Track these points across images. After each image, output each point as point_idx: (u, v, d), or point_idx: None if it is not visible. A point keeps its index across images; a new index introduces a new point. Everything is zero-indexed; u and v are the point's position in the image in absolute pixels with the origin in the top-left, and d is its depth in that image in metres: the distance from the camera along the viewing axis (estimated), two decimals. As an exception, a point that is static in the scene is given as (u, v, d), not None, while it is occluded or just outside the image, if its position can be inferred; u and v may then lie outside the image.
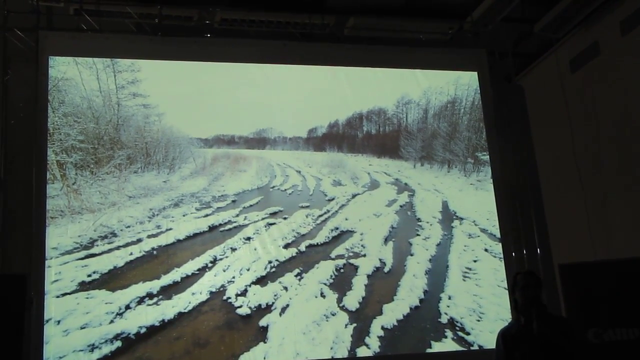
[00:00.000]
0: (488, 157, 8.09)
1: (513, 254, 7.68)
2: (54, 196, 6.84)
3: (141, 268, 6.86)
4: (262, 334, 6.65)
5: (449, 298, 7.30)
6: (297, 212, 7.79)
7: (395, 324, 6.95)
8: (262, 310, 6.81)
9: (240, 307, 6.77)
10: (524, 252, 7.92)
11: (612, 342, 5.79)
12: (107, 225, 6.97)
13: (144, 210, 7.22)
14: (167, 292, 6.73)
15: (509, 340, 4.45)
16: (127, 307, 6.53)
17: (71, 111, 7.21)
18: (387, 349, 6.77)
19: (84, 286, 6.57)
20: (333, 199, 8.08)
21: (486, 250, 7.81)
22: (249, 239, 7.36)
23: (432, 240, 7.87)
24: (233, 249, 7.25)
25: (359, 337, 6.80)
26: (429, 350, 6.90)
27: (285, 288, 7.03)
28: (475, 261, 7.73)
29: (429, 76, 8.45)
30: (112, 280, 6.69)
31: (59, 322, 6.32)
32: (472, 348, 6.97)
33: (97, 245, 6.84)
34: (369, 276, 7.33)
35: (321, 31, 7.73)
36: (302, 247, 7.44)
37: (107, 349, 6.24)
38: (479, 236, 7.96)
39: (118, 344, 6.30)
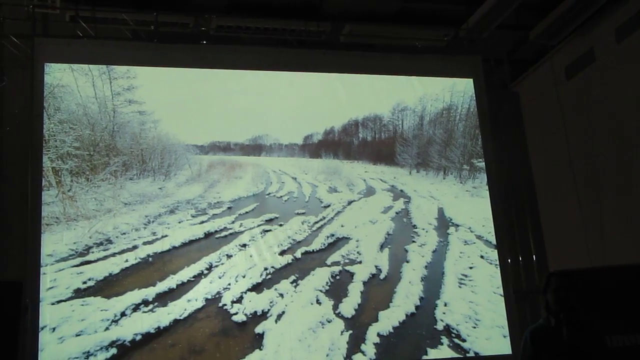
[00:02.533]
0: (484, 163, 8.08)
1: (509, 260, 7.68)
2: (49, 203, 6.83)
3: (136, 275, 6.84)
4: (257, 341, 6.63)
5: (445, 305, 7.30)
6: (292, 218, 7.79)
7: (391, 330, 6.93)
8: (258, 317, 6.80)
9: (235, 314, 6.76)
10: (520, 258, 7.94)
11: (608, 349, 5.78)
12: (102, 232, 6.96)
13: (139, 217, 7.21)
14: (163, 299, 6.72)
15: (537, 340, 4.41)
16: (123, 314, 6.51)
17: (67, 118, 7.21)
18: (383, 355, 6.76)
19: (79, 293, 6.55)
20: (329, 205, 8.08)
21: (482, 257, 7.81)
22: (244, 245, 7.35)
23: (428, 247, 7.87)
24: (229, 256, 7.24)
25: (354, 344, 6.78)
26: (424, 357, 6.89)
27: (281, 295, 7.01)
28: (471, 268, 7.73)
29: (425, 83, 8.46)
30: (107, 287, 6.68)
31: (54, 329, 6.30)
32: (468, 355, 6.96)
33: (93, 252, 6.83)
34: (364, 283, 7.33)
35: (317, 38, 7.74)
36: (298, 254, 7.43)
37: (102, 356, 6.22)
38: (474, 243, 7.96)
39: (113, 351, 6.28)
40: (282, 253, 7.41)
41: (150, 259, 6.97)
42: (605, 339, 5.47)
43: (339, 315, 6.97)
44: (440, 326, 7.12)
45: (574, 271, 6.59)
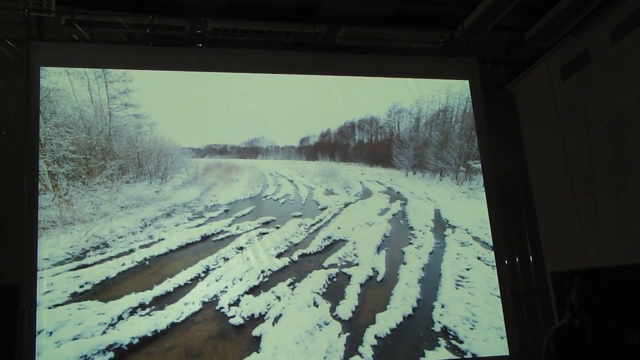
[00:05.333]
0: (480, 165, 8.09)
1: (506, 261, 7.68)
2: (45, 207, 6.82)
3: (133, 278, 6.84)
4: (255, 344, 6.62)
5: (442, 306, 7.29)
6: (289, 221, 7.78)
7: (389, 332, 6.93)
8: (255, 320, 6.79)
9: (233, 317, 6.75)
10: (517, 259, 7.94)
11: (629, 347, 5.78)
12: (99, 235, 6.95)
13: (136, 221, 7.20)
14: (160, 302, 6.71)
15: (560, 340, 4.40)
16: (120, 317, 6.50)
17: (63, 122, 7.20)
18: (381, 358, 6.75)
19: (76, 297, 6.54)
20: (325, 208, 8.08)
21: (479, 258, 7.81)
22: (241, 248, 7.35)
23: (425, 248, 7.87)
24: (226, 259, 7.23)
25: (352, 347, 6.78)
26: (422, 359, 6.89)
27: (278, 297, 7.01)
28: (468, 269, 7.72)
29: (421, 85, 8.46)
30: (104, 291, 6.66)
31: (51, 333, 6.29)
32: (465, 356, 6.96)
33: (89, 256, 6.82)
34: (362, 285, 7.32)
35: (313, 40, 7.75)
36: (295, 257, 7.43)
37: (99, 360, 6.23)
38: (471, 244, 7.96)
39: (110, 355, 6.26)
40: (279, 256, 7.40)
41: (147, 262, 6.97)
42: (627, 338, 5.48)
43: (336, 317, 6.97)
44: (437, 328, 7.12)
45: (596, 270, 6.65)
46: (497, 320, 7.31)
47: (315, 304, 7.03)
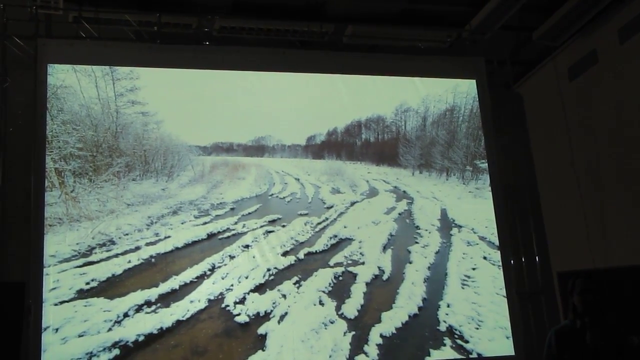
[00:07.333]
0: (486, 164, 8.07)
1: (512, 261, 7.67)
2: (52, 204, 6.83)
3: (139, 276, 6.84)
4: (260, 342, 6.62)
5: (448, 306, 7.29)
6: (295, 219, 7.78)
7: (394, 332, 6.92)
8: (261, 318, 6.79)
9: (238, 315, 6.75)
10: (523, 259, 7.93)
11: (633, 348, 5.76)
12: (105, 233, 6.96)
13: (142, 218, 7.21)
14: (166, 300, 6.71)
15: (561, 340, 4.40)
16: (125, 315, 6.51)
17: (70, 119, 7.21)
18: (386, 357, 6.75)
19: (82, 294, 6.55)
20: (332, 206, 8.07)
21: (485, 258, 7.80)
22: (247, 246, 7.35)
23: (431, 248, 7.86)
24: (231, 257, 7.23)
25: (357, 345, 6.78)
26: (427, 359, 6.88)
27: (284, 296, 7.01)
28: (474, 269, 7.71)
29: (428, 84, 8.45)
30: (110, 288, 6.67)
31: (57, 330, 6.30)
32: (471, 356, 6.95)
33: (96, 253, 6.83)
34: (367, 284, 7.32)
35: (320, 39, 7.74)
36: (301, 255, 7.43)
37: (105, 357, 6.22)
38: (477, 244, 7.95)
39: (116, 352, 6.27)
40: (285, 254, 7.40)
41: (152, 260, 6.97)
42: (632, 339, 5.46)
43: (341, 316, 6.97)
44: (443, 327, 7.11)
45: (599, 271, 6.63)
46: (502, 320, 7.30)
47: (321, 303, 7.03)
